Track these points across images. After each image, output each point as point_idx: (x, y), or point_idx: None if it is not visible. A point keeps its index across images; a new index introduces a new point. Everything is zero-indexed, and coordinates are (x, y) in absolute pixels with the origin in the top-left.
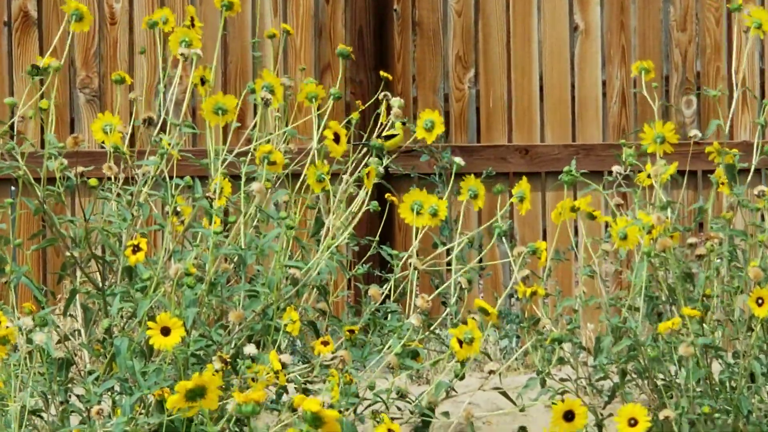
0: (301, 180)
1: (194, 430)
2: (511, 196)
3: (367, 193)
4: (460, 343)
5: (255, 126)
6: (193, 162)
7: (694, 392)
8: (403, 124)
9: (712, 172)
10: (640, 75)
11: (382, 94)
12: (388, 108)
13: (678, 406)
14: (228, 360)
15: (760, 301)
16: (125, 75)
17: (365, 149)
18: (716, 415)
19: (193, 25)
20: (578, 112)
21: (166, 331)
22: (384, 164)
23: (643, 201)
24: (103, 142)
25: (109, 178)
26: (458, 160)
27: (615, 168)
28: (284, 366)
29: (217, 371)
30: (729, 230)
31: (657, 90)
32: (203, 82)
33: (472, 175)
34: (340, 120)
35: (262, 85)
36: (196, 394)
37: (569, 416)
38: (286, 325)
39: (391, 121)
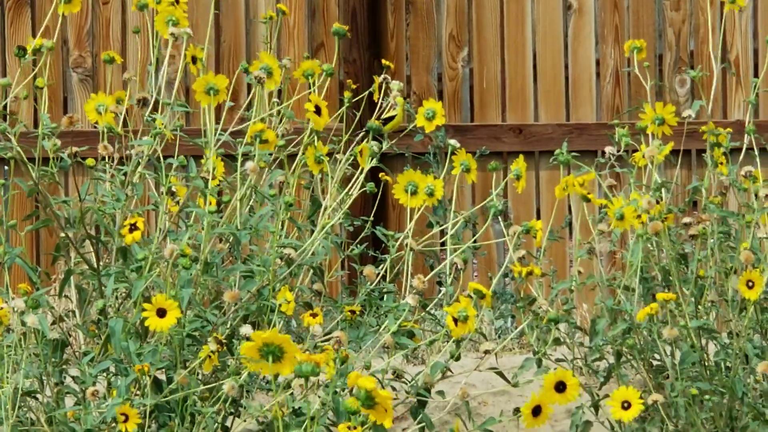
0: (296, 161)
1: (189, 411)
2: (505, 174)
3: (362, 171)
4: (455, 321)
5: (249, 106)
6: (187, 141)
7: (689, 374)
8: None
9: (705, 151)
10: (632, 54)
11: (382, 77)
12: (384, 88)
13: (673, 388)
14: (223, 341)
15: (750, 283)
16: (115, 54)
17: (360, 127)
18: (706, 396)
19: (177, 2)
20: (572, 91)
21: (162, 313)
22: (384, 147)
23: (638, 182)
24: (96, 122)
25: (104, 158)
26: (453, 142)
27: (608, 149)
28: None
29: (212, 352)
30: (721, 211)
31: (650, 69)
32: (195, 61)
33: (463, 150)
34: (334, 99)
35: (260, 66)
36: (271, 351)
37: (561, 387)
38: (280, 305)
39: (389, 103)
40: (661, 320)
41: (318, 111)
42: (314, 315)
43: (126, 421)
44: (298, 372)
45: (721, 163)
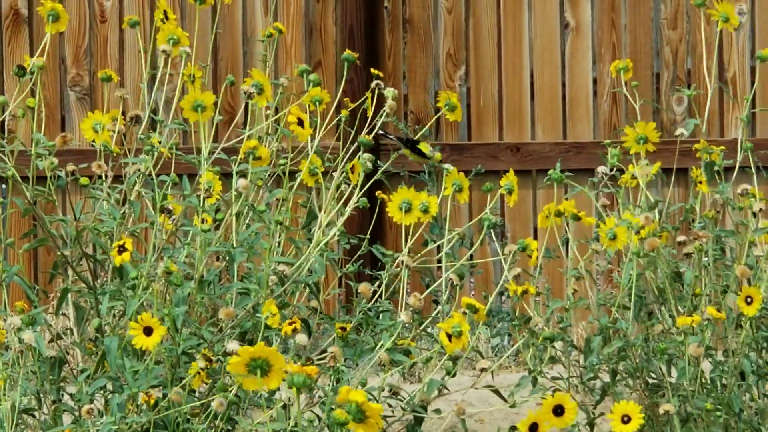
0: (294, 179)
1: (182, 428)
2: (499, 192)
3: (356, 187)
4: (449, 336)
5: (246, 123)
6: (183, 159)
7: (685, 391)
8: (419, 136)
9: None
10: (618, 75)
11: (374, 83)
12: (378, 101)
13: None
14: (212, 357)
15: (749, 299)
16: (112, 73)
17: (354, 146)
18: (712, 412)
19: (167, 18)
20: (569, 109)
21: (148, 331)
22: (384, 166)
23: (627, 202)
24: (93, 141)
25: (100, 177)
26: (447, 166)
27: (600, 168)
28: None
29: (201, 369)
30: (716, 230)
31: (647, 88)
32: (193, 80)
33: (455, 169)
34: (331, 117)
35: (252, 83)
36: (258, 365)
37: (559, 411)
38: (267, 318)
39: (384, 113)
40: (656, 339)
41: (301, 123)
42: (292, 323)
43: None
44: (290, 383)
45: (701, 182)
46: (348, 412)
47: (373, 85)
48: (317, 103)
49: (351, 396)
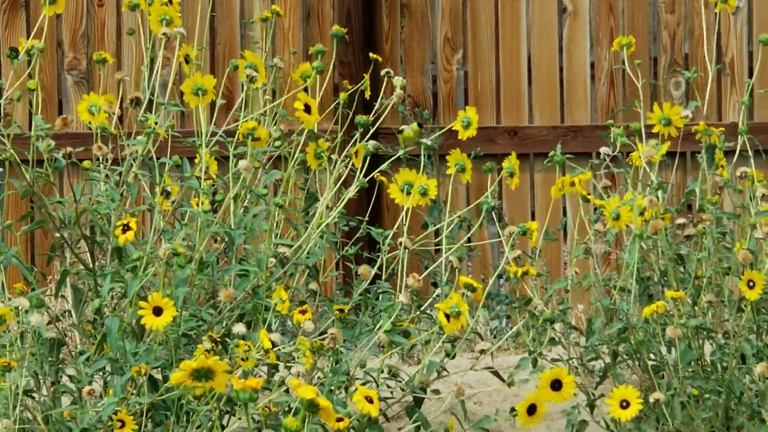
0: (292, 161)
1: (184, 410)
2: (499, 176)
3: (357, 170)
4: (447, 317)
5: (243, 106)
6: (181, 142)
7: (685, 373)
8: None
9: (700, 153)
10: (621, 51)
11: (384, 71)
12: (375, 83)
13: (670, 387)
14: (218, 339)
15: (751, 283)
16: (107, 55)
17: (355, 128)
18: (706, 395)
19: (170, 2)
20: (567, 93)
21: (158, 311)
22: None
23: (634, 181)
24: (89, 123)
25: (98, 159)
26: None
27: (603, 149)
28: (274, 345)
29: (207, 351)
30: (718, 212)
31: (645, 72)
32: (187, 60)
33: (458, 149)
34: (329, 100)
35: (246, 64)
36: (202, 375)
37: (557, 385)
38: (276, 305)
39: (387, 103)
40: (656, 321)
41: (308, 109)
42: (303, 312)
43: (122, 427)
44: (235, 398)
45: (722, 166)
46: (301, 405)
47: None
48: (317, 74)
49: (300, 392)
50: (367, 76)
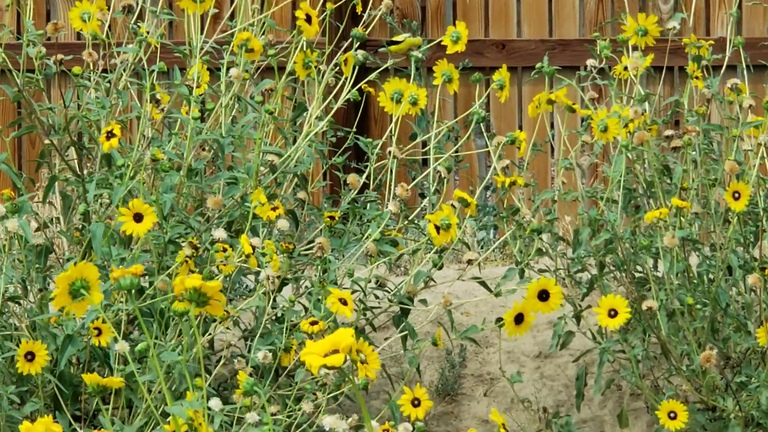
0: (280, 72)
1: (167, 317)
2: (487, 89)
3: (348, 80)
4: (437, 228)
5: (232, 17)
6: (173, 50)
7: (672, 285)
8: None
9: (688, 66)
10: None
11: None
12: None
13: (656, 299)
14: (199, 245)
15: (736, 194)
16: None
17: (344, 39)
18: (698, 306)
19: None
20: (555, 7)
21: (138, 218)
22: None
23: (619, 93)
24: (80, 32)
25: (88, 66)
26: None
27: (589, 62)
28: (255, 249)
29: (188, 257)
30: (705, 124)
31: None
32: None
33: (445, 60)
34: (316, 11)
35: None
36: (79, 287)
37: (544, 295)
38: (255, 207)
39: (380, 12)
40: (643, 233)
41: (308, 20)
42: (275, 208)
43: (99, 335)
44: (117, 287)
45: (697, 78)
46: (188, 298)
47: None
48: None
49: (186, 282)
50: None
